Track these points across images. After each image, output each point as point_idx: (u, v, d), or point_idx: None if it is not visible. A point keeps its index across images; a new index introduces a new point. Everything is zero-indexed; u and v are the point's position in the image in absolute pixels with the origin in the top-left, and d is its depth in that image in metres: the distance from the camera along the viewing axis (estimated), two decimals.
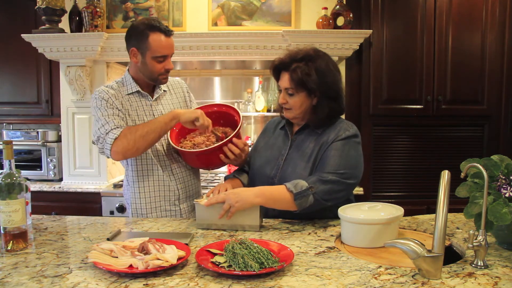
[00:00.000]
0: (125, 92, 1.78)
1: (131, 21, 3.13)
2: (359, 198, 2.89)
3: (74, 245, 1.33)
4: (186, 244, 1.28)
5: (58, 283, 1.03)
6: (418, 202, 3.02)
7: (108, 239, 1.36)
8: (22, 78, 3.32)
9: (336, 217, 1.43)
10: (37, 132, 3.27)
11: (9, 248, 1.26)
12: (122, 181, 2.49)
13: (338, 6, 2.99)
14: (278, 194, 1.47)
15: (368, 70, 3.04)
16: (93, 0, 2.97)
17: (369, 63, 3.04)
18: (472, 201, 1.22)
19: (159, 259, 1.09)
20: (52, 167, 3.24)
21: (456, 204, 1.38)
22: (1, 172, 1.28)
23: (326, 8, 2.96)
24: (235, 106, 1.89)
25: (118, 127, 1.65)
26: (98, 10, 2.97)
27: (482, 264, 1.11)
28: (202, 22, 3.14)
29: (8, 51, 3.29)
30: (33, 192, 1.62)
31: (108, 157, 1.69)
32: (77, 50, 2.95)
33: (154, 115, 1.80)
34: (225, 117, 1.89)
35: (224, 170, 3.34)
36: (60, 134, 3.28)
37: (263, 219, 1.58)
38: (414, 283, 1.02)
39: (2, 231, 1.28)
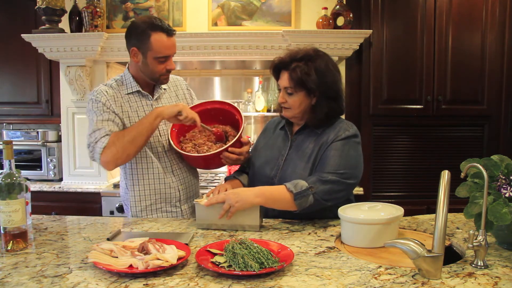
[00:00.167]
0: (124, 91, 1.74)
1: (131, 21, 3.13)
2: (359, 198, 2.89)
3: (74, 245, 1.33)
4: (186, 244, 1.28)
5: (58, 283, 1.03)
6: (418, 202, 3.02)
7: (108, 239, 1.36)
8: (22, 78, 3.32)
9: (336, 217, 1.43)
10: (37, 132, 3.27)
11: (9, 248, 1.26)
12: None
13: (338, 6, 2.99)
14: (278, 194, 1.47)
15: (368, 70, 3.04)
16: (93, 0, 2.97)
17: (369, 63, 3.04)
18: (472, 201, 1.22)
19: (159, 259, 1.09)
20: (52, 167, 3.24)
21: (456, 204, 1.38)
22: (1, 172, 1.28)
23: (326, 8, 2.96)
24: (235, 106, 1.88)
25: (108, 135, 1.60)
26: (98, 10, 2.97)
27: (482, 264, 1.11)
28: (202, 22, 3.14)
29: (8, 51, 3.29)
30: (33, 192, 1.62)
31: (99, 164, 1.66)
32: (77, 50, 2.95)
33: None
34: (223, 114, 1.86)
35: (224, 170, 3.35)
36: (60, 134, 3.28)
37: (263, 219, 1.58)
38: (414, 283, 1.02)
39: (2, 231, 1.28)
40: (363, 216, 1.32)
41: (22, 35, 2.92)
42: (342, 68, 3.10)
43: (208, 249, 1.20)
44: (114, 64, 3.27)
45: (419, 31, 2.98)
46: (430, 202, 3.01)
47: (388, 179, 3.13)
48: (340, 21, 2.98)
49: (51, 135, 3.29)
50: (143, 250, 1.17)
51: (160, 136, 1.78)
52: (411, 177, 3.12)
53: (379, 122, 3.08)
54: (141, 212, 1.78)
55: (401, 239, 1.11)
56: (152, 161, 1.76)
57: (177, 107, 1.64)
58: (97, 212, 2.96)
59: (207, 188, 2.87)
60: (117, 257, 1.14)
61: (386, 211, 1.35)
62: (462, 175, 1.23)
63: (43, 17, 2.94)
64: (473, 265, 1.12)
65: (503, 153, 1.33)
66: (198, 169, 1.99)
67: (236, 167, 1.89)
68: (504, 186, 1.20)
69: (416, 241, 1.07)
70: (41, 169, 3.26)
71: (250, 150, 1.80)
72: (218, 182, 3.11)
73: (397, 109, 3.05)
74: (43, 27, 2.96)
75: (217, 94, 3.57)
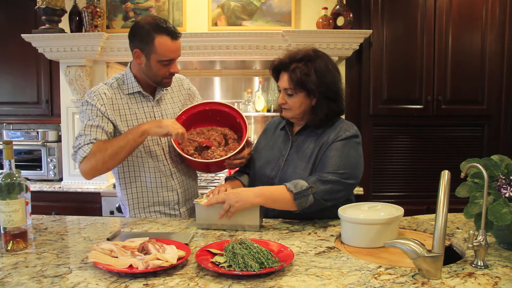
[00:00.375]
0: (125, 91, 1.70)
1: (131, 21, 3.13)
2: (359, 198, 2.89)
3: (74, 245, 1.33)
4: (186, 244, 1.28)
5: (58, 283, 1.03)
6: (418, 202, 3.02)
7: (108, 239, 1.36)
8: (22, 78, 3.32)
9: (336, 217, 1.43)
10: (37, 132, 3.27)
11: (9, 248, 1.26)
12: None
13: (338, 6, 2.99)
14: (278, 194, 1.47)
15: (368, 70, 3.04)
16: (93, 0, 2.98)
17: (369, 63, 3.04)
18: (472, 201, 1.22)
19: (159, 259, 1.09)
20: (52, 167, 3.24)
21: (456, 204, 1.38)
22: (1, 172, 1.28)
23: (326, 8, 2.96)
24: (235, 106, 1.85)
25: (91, 143, 1.55)
26: (98, 10, 2.97)
27: (482, 264, 1.11)
28: (202, 22, 3.15)
29: (8, 51, 3.29)
30: (33, 192, 1.62)
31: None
32: (77, 50, 2.96)
33: (155, 117, 1.73)
34: (221, 115, 1.83)
35: (224, 170, 3.34)
36: (60, 134, 3.28)
37: (263, 219, 1.58)
38: (414, 283, 1.02)
39: (2, 231, 1.28)
40: (363, 216, 1.32)
41: (22, 35, 2.93)
42: (342, 68, 3.10)
43: (208, 249, 1.20)
44: (114, 64, 3.27)
45: (419, 31, 2.98)
46: (430, 202, 3.02)
47: (388, 179, 3.13)
48: (340, 21, 2.98)
49: (51, 135, 3.29)
50: (143, 250, 1.17)
51: (160, 139, 1.74)
52: (411, 177, 3.12)
53: (379, 122, 3.09)
54: (139, 215, 1.76)
55: (401, 239, 1.11)
56: (149, 165, 1.71)
57: (162, 129, 1.56)
58: (97, 212, 2.96)
59: (207, 188, 2.87)
60: (117, 257, 1.14)
61: (386, 211, 1.35)
62: (462, 175, 1.23)
63: (43, 17, 2.95)
64: (473, 265, 1.12)
65: (503, 153, 1.33)
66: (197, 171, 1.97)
67: (236, 168, 1.88)
68: (504, 186, 1.20)
69: (416, 241, 1.07)
70: (41, 169, 3.26)
71: (251, 151, 1.80)
72: (218, 182, 3.11)
73: (397, 109, 3.05)
74: (43, 27, 2.96)
75: (217, 94, 3.57)
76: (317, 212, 1.55)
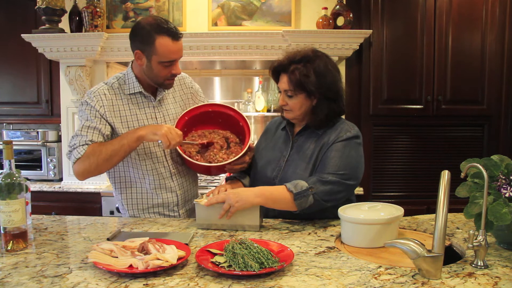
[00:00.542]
0: (126, 91, 1.67)
1: (131, 21, 3.14)
2: (359, 198, 2.89)
3: (74, 245, 1.33)
4: (186, 244, 1.28)
5: (58, 283, 1.03)
6: (418, 202, 3.02)
7: (108, 239, 1.36)
8: (22, 78, 3.32)
9: (336, 217, 1.43)
10: (37, 132, 3.27)
11: (9, 248, 1.26)
12: None
13: (338, 6, 2.99)
14: (278, 194, 1.47)
15: (368, 70, 3.05)
16: (93, 0, 2.98)
17: (369, 63, 3.04)
18: (472, 201, 1.22)
19: (159, 259, 1.09)
20: (52, 167, 3.24)
21: (456, 204, 1.37)
22: (1, 172, 1.28)
23: (326, 8, 2.96)
24: (235, 107, 1.84)
25: (87, 144, 1.54)
26: (98, 10, 2.97)
27: (482, 264, 1.11)
28: (202, 22, 3.15)
29: (8, 51, 3.29)
30: (33, 192, 1.62)
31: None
32: (77, 50, 2.96)
33: (156, 117, 1.71)
34: (223, 117, 1.81)
35: None
36: (60, 134, 3.28)
37: (263, 219, 1.58)
38: (414, 283, 1.02)
39: (2, 231, 1.28)
40: (363, 216, 1.32)
41: (22, 35, 2.93)
42: (342, 68, 3.10)
43: (208, 249, 1.20)
44: (114, 64, 3.27)
45: (419, 31, 2.98)
46: (430, 202, 3.02)
47: (388, 179, 3.13)
48: (340, 21, 2.98)
49: (51, 135, 3.29)
50: (143, 250, 1.17)
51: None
52: (411, 177, 3.12)
53: (379, 122, 3.09)
54: (138, 216, 1.75)
55: (401, 239, 1.11)
56: (148, 167, 1.69)
57: (157, 137, 1.53)
58: (97, 212, 2.96)
59: (207, 189, 2.87)
60: (117, 257, 1.14)
61: (386, 211, 1.35)
62: (462, 175, 1.23)
63: (43, 17, 2.95)
64: (473, 265, 1.12)
65: (503, 153, 1.33)
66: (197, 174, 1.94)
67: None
68: (504, 186, 1.20)
69: (416, 241, 1.07)
70: (41, 169, 3.26)
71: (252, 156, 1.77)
72: (218, 183, 3.11)
73: (397, 109, 3.05)
74: (43, 27, 2.96)
75: (217, 94, 3.57)
76: (317, 213, 1.55)
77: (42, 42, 2.94)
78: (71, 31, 3.03)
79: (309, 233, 1.43)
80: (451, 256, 1.29)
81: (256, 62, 3.27)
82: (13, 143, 1.46)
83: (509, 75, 3.03)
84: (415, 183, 3.11)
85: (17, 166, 1.33)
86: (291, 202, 1.46)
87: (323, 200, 1.47)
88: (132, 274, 1.07)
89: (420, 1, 2.97)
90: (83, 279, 1.05)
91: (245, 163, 1.69)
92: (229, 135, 1.79)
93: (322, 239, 1.37)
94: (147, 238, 1.23)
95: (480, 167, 1.13)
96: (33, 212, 1.57)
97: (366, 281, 1.03)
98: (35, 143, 3.25)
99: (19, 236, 1.28)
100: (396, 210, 1.35)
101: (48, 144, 3.25)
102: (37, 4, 2.90)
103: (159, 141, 1.55)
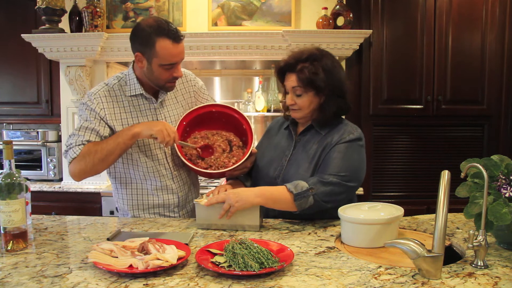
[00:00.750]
0: (127, 92, 1.65)
1: (131, 21, 3.14)
2: (359, 198, 2.86)
3: (74, 245, 1.33)
4: (186, 244, 1.28)
5: (58, 283, 1.03)
6: (418, 202, 3.02)
7: (108, 239, 1.36)
8: (22, 78, 3.32)
9: (336, 217, 1.43)
10: (37, 132, 3.27)
11: (9, 248, 1.26)
12: None
13: (338, 6, 2.99)
14: (278, 194, 1.47)
15: (368, 70, 3.05)
16: (93, 0, 2.98)
17: (369, 63, 3.04)
18: (472, 201, 1.22)
19: (159, 259, 1.09)
20: (52, 167, 3.24)
21: (456, 204, 1.38)
22: (1, 172, 1.28)
23: (326, 8, 2.96)
24: (235, 107, 1.82)
25: (83, 144, 1.53)
26: (98, 10, 2.98)
27: (482, 264, 1.11)
28: (202, 22, 3.15)
29: (8, 51, 3.30)
30: (33, 192, 1.62)
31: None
32: (77, 50, 2.96)
33: (157, 119, 1.68)
34: (227, 118, 1.78)
35: None
36: (60, 134, 3.28)
37: (263, 219, 1.58)
38: (414, 283, 1.02)
39: (2, 231, 1.28)
40: (363, 216, 1.32)
41: (22, 35, 2.93)
42: None
43: (208, 249, 1.20)
44: (114, 64, 3.27)
45: (419, 31, 2.99)
46: (430, 202, 3.02)
47: (388, 179, 3.13)
48: (340, 21, 2.98)
49: (51, 135, 3.29)
50: (143, 250, 1.17)
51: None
52: (411, 177, 3.12)
53: (379, 122, 3.09)
54: (139, 215, 1.75)
55: (401, 239, 1.11)
56: (149, 169, 1.68)
57: (152, 131, 1.51)
58: (97, 212, 2.96)
59: (207, 188, 2.87)
60: (117, 257, 1.14)
61: (386, 211, 1.35)
62: (462, 175, 1.23)
63: (43, 17, 2.95)
64: (473, 265, 1.12)
65: (503, 153, 1.33)
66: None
67: None
68: (504, 186, 1.20)
69: (416, 241, 1.06)
70: (41, 169, 3.26)
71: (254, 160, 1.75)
72: (218, 183, 3.11)
73: (397, 109, 3.05)
74: (43, 27, 2.96)
75: (217, 94, 3.57)
76: (317, 213, 1.55)
77: (42, 42, 2.94)
78: (71, 31, 3.03)
79: (309, 233, 1.43)
80: (451, 256, 1.29)
81: (256, 62, 3.27)
82: (13, 143, 1.46)
83: (509, 75, 3.03)
84: (415, 183, 3.11)
85: (17, 166, 1.33)
86: (291, 203, 1.46)
87: (323, 201, 1.47)
88: (132, 274, 1.07)
89: (420, 1, 2.97)
90: (83, 279, 1.05)
91: (246, 168, 1.68)
92: (232, 137, 1.76)
93: (322, 239, 1.37)
94: (147, 238, 1.23)
95: (480, 167, 1.13)
96: (33, 212, 1.57)
97: (366, 281, 1.03)
98: (35, 143, 3.26)
99: (19, 236, 1.28)
100: (396, 210, 1.35)
101: (48, 144, 3.25)
102: (37, 4, 2.90)
103: (154, 137, 1.53)
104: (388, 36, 3.00)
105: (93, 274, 1.08)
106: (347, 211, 1.36)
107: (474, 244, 1.10)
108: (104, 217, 1.73)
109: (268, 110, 3.35)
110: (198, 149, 1.69)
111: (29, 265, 1.15)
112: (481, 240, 1.10)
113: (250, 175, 1.77)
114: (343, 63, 3.13)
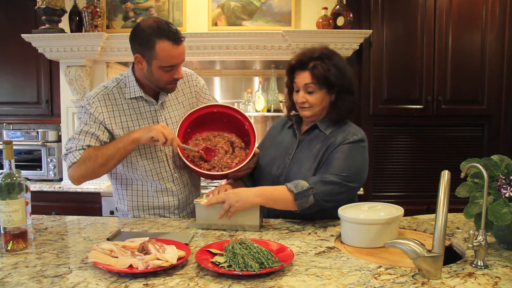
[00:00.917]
0: (127, 95, 1.63)
1: (131, 21, 3.14)
2: (359, 198, 2.87)
3: (74, 245, 1.33)
4: (186, 244, 1.28)
5: (58, 283, 1.03)
6: (418, 202, 3.02)
7: (108, 239, 1.36)
8: (22, 78, 3.32)
9: (336, 217, 1.43)
10: (37, 132, 3.27)
11: (9, 248, 1.26)
12: None
13: (338, 6, 2.99)
14: (278, 194, 1.47)
15: (368, 70, 3.04)
16: (93, 0, 2.98)
17: (369, 63, 3.04)
18: (472, 201, 1.22)
19: (159, 259, 1.09)
20: (52, 167, 3.24)
21: (456, 204, 1.38)
22: (1, 172, 1.28)
23: (326, 8, 2.96)
24: (235, 107, 1.80)
25: (83, 149, 1.53)
26: (98, 10, 2.98)
27: (482, 264, 1.11)
28: (202, 22, 3.15)
29: (8, 51, 3.30)
30: (33, 192, 1.62)
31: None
32: (77, 50, 2.96)
33: (158, 121, 1.66)
34: (228, 118, 1.77)
35: None
36: (60, 134, 3.28)
37: (263, 219, 1.58)
38: (414, 283, 1.02)
39: (2, 231, 1.28)
40: (363, 216, 1.32)
41: (22, 35, 2.93)
42: None
43: (208, 249, 1.20)
44: (114, 64, 3.27)
45: (419, 31, 2.98)
46: (430, 202, 3.02)
47: (388, 179, 3.13)
48: (340, 21, 2.98)
49: (51, 135, 3.29)
50: (143, 250, 1.17)
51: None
52: (411, 177, 3.12)
53: (379, 122, 3.09)
54: (139, 216, 1.74)
55: (401, 239, 1.11)
56: (152, 172, 1.67)
57: (152, 133, 1.49)
58: (97, 212, 2.96)
59: (207, 188, 2.87)
60: (117, 257, 1.14)
61: (386, 211, 1.35)
62: (462, 175, 1.23)
63: (43, 17, 2.95)
64: (473, 265, 1.12)
65: (503, 153, 1.33)
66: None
67: None
68: (504, 186, 1.20)
69: (416, 241, 1.06)
70: (41, 169, 3.26)
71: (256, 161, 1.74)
72: (218, 183, 3.10)
73: (397, 109, 3.05)
74: (43, 27, 2.96)
75: (217, 94, 3.57)
76: (318, 212, 1.55)
77: (42, 42, 2.94)
78: (71, 31, 3.03)
79: (309, 233, 1.43)
80: (451, 256, 1.29)
81: (256, 62, 3.27)
82: (13, 143, 1.46)
83: (509, 75, 3.03)
84: (415, 183, 3.11)
85: (17, 166, 1.33)
86: (291, 202, 1.46)
87: (323, 201, 1.47)
88: (132, 274, 1.07)
89: (420, 1, 2.97)
90: (83, 279, 1.05)
91: (249, 169, 1.68)
92: (234, 139, 1.75)
93: (322, 239, 1.37)
94: (147, 238, 1.23)
95: (480, 167, 1.13)
96: (33, 212, 1.57)
97: (366, 281, 1.03)
98: (35, 143, 3.26)
99: (19, 236, 1.28)
100: (396, 210, 1.35)
101: (48, 144, 3.25)
102: (37, 4, 2.90)
103: (154, 139, 1.51)
104: (388, 36, 3.00)
105: (93, 274, 1.08)
106: (347, 211, 1.36)
107: (474, 244, 1.10)
108: (104, 217, 1.73)
109: (268, 110, 3.34)
110: (200, 151, 1.68)
111: (29, 265, 1.15)
112: (481, 240, 1.10)
113: (251, 175, 1.77)
114: None
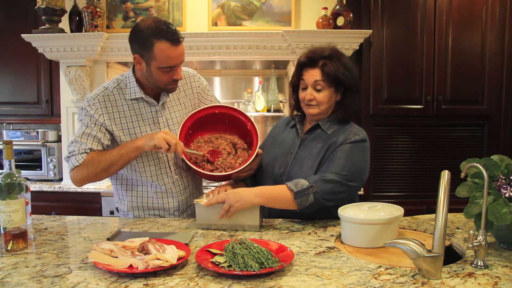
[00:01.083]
0: (128, 96, 1.62)
1: (131, 21, 3.14)
2: (359, 198, 2.89)
3: (74, 245, 1.33)
4: (186, 244, 1.28)
5: (58, 283, 1.03)
6: (418, 202, 3.02)
7: (108, 239, 1.36)
8: (22, 78, 3.32)
9: (336, 217, 1.43)
10: (37, 132, 3.27)
11: (9, 248, 1.26)
12: None
13: (338, 6, 2.99)
14: (278, 193, 1.47)
15: (368, 70, 3.04)
16: (93, 0, 2.98)
17: (369, 63, 3.04)
18: (472, 201, 1.22)
19: (159, 259, 1.09)
20: (52, 167, 3.24)
21: (456, 204, 1.38)
22: (1, 172, 1.28)
23: (326, 8, 2.96)
24: (235, 107, 1.78)
25: (85, 152, 1.53)
26: (98, 10, 2.98)
27: (482, 264, 1.11)
28: (202, 22, 3.15)
29: (8, 51, 3.30)
30: (33, 192, 1.62)
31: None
32: (77, 50, 2.96)
33: (159, 122, 1.65)
34: (230, 119, 1.75)
35: None
36: (60, 134, 3.28)
37: (263, 219, 1.58)
38: (414, 283, 1.02)
39: (2, 231, 1.28)
40: (363, 216, 1.32)
41: (22, 35, 2.93)
42: None
43: (208, 249, 1.20)
44: (114, 64, 3.27)
45: (419, 31, 2.99)
46: (430, 202, 3.02)
47: (388, 179, 3.13)
48: (340, 21, 2.98)
49: (51, 135, 3.29)
50: (143, 250, 1.17)
51: None
52: (411, 177, 3.12)
53: (379, 122, 3.09)
54: (139, 216, 1.74)
55: (401, 239, 1.11)
56: (152, 173, 1.66)
57: (154, 141, 1.49)
58: (97, 212, 2.96)
59: (207, 188, 2.87)
60: (117, 257, 1.14)
61: (386, 211, 1.35)
62: (462, 175, 1.23)
63: (43, 17, 2.95)
64: (473, 265, 1.12)
65: (503, 153, 1.33)
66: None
67: None
68: (504, 186, 1.20)
69: (416, 241, 1.06)
70: (41, 169, 3.26)
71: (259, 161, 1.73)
72: (220, 183, 3.10)
73: (397, 109, 3.05)
74: (43, 27, 2.96)
75: (217, 94, 3.57)
76: (318, 212, 1.55)
77: (42, 42, 2.94)
78: (71, 31, 3.03)
79: (309, 233, 1.43)
80: (451, 256, 1.29)
81: (256, 62, 3.27)
82: (13, 143, 1.46)
83: (509, 75, 3.03)
84: (415, 183, 3.11)
85: (17, 166, 1.33)
86: (291, 201, 1.46)
87: (323, 199, 1.47)
88: (132, 274, 1.07)
89: (420, 1, 2.97)
90: (83, 279, 1.05)
91: (251, 170, 1.67)
92: (236, 140, 1.73)
93: (322, 239, 1.37)
94: (147, 238, 1.23)
95: (480, 167, 1.13)
96: (33, 212, 1.57)
97: (366, 281, 1.03)
98: (35, 143, 3.26)
99: (19, 236, 1.28)
100: (396, 210, 1.35)
101: (48, 144, 3.25)
102: (37, 4, 2.90)
103: (157, 147, 1.50)
104: (388, 36, 3.00)
105: (93, 274, 1.08)
106: (347, 211, 1.36)
107: (474, 244, 1.10)
108: (104, 217, 1.73)
109: (268, 110, 3.35)
110: (207, 154, 1.67)
111: (29, 265, 1.15)
112: (481, 240, 1.10)
113: (253, 175, 1.76)
114: None
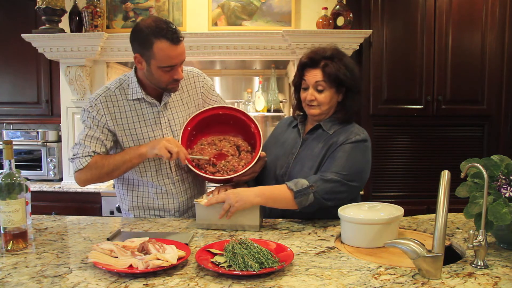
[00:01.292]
0: (130, 96, 1.61)
1: (131, 21, 3.14)
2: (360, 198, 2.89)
3: (74, 245, 1.33)
4: (186, 244, 1.28)
5: (58, 283, 1.03)
6: (418, 202, 3.02)
7: (108, 239, 1.36)
8: (22, 78, 3.32)
9: (336, 217, 1.43)
10: (37, 132, 3.27)
11: (9, 248, 1.26)
12: None
13: (338, 6, 2.99)
14: (278, 193, 1.47)
15: (368, 70, 3.04)
16: (93, 0, 2.98)
17: (369, 63, 3.04)
18: (472, 201, 1.22)
19: (159, 259, 1.09)
20: (52, 167, 3.24)
21: (456, 204, 1.38)
22: (1, 172, 1.28)
23: (326, 8, 2.96)
24: (235, 106, 1.77)
25: (89, 155, 1.55)
26: (98, 10, 2.98)
27: (482, 264, 1.11)
28: (202, 22, 3.15)
29: (8, 51, 3.30)
30: (33, 192, 1.62)
31: None
32: (77, 50, 2.96)
33: (160, 123, 1.64)
34: (235, 120, 1.73)
35: None
36: (60, 134, 3.28)
37: (263, 219, 1.58)
38: (414, 283, 1.02)
39: (2, 231, 1.28)
40: (363, 216, 1.32)
41: (22, 35, 2.93)
42: None
43: (208, 249, 1.20)
44: (114, 64, 3.27)
45: (419, 31, 2.99)
46: (430, 202, 3.02)
47: (388, 179, 3.13)
48: (340, 21, 2.98)
49: (51, 135, 3.29)
50: (143, 250, 1.17)
51: None
52: (411, 177, 3.12)
53: (379, 122, 3.09)
54: (139, 216, 1.74)
55: (401, 239, 1.11)
56: (152, 174, 1.66)
57: (156, 150, 1.50)
58: (97, 212, 2.96)
59: (208, 188, 2.87)
60: (117, 257, 1.14)
61: (386, 211, 1.35)
62: (462, 175, 1.23)
63: (43, 17, 2.95)
64: (473, 265, 1.12)
65: (503, 153, 1.33)
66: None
67: None
68: (504, 186, 1.20)
69: (416, 241, 1.06)
70: (41, 169, 3.26)
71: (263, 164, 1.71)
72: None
73: (397, 109, 3.05)
74: (43, 27, 2.97)
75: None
76: (318, 212, 1.55)
77: (42, 42, 2.94)
78: (71, 31, 3.03)
79: (309, 233, 1.43)
80: (451, 256, 1.29)
81: (256, 62, 3.27)
82: (13, 143, 1.46)
83: (509, 75, 3.03)
84: (415, 183, 3.11)
85: (17, 166, 1.33)
86: (291, 201, 1.46)
87: (323, 199, 1.47)
88: (132, 274, 1.07)
89: (420, 1, 2.97)
90: (83, 279, 1.05)
91: (254, 172, 1.66)
92: (240, 142, 1.71)
93: (322, 239, 1.37)
94: (147, 238, 1.23)
95: (480, 167, 1.13)
96: (33, 212, 1.57)
97: (366, 281, 1.03)
98: (35, 143, 3.26)
99: (19, 236, 1.28)
100: (396, 210, 1.35)
101: (48, 144, 3.25)
102: (37, 4, 2.90)
103: (159, 155, 1.52)
104: (388, 36, 3.00)
105: (93, 274, 1.08)
106: (347, 211, 1.36)
107: (474, 244, 1.10)
108: (104, 217, 1.73)
109: (268, 110, 3.35)
110: (212, 158, 1.65)
111: (29, 265, 1.15)
112: (481, 240, 1.10)
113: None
114: None
